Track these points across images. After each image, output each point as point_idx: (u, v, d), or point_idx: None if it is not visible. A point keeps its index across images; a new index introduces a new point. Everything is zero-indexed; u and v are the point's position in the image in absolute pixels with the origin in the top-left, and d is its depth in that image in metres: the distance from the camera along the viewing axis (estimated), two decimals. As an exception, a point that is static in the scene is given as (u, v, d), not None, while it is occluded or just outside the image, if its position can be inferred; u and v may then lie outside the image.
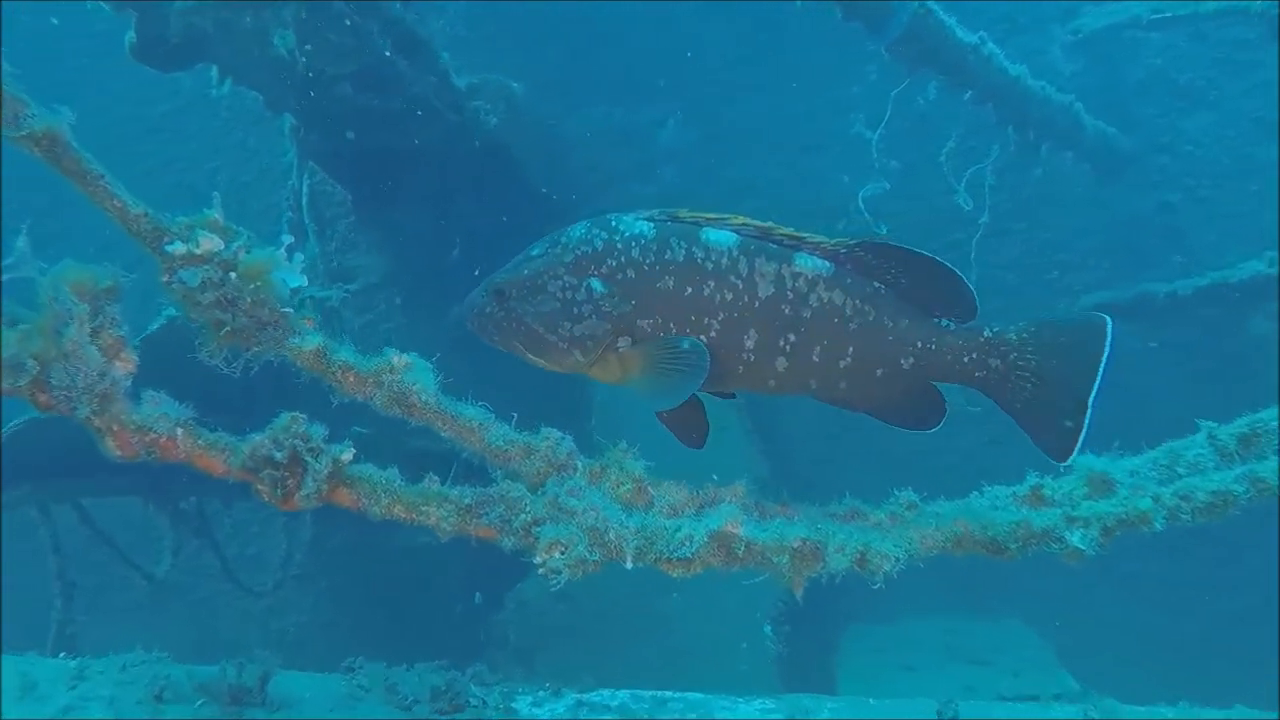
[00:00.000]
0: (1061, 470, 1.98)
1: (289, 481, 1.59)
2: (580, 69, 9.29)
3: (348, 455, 1.68)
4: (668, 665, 6.99)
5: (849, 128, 9.20)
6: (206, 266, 1.70)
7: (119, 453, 1.60)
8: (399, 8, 6.11)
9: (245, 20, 6.01)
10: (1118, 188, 8.82)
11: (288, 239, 1.83)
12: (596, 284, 2.13)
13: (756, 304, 2.11)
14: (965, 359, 2.14)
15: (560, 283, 2.15)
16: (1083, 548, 1.69)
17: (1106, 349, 2.06)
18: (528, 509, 1.69)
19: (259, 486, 1.62)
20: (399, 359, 1.80)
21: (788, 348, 2.13)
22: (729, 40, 9.52)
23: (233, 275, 1.71)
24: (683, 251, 2.12)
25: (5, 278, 1.56)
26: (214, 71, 6.85)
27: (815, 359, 2.14)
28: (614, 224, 2.18)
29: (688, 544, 1.69)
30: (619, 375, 2.15)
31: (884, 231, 7.43)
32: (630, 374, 2.12)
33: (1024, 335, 2.12)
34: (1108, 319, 2.09)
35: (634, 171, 9.38)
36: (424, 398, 1.78)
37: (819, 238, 2.16)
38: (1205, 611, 8.00)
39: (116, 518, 6.89)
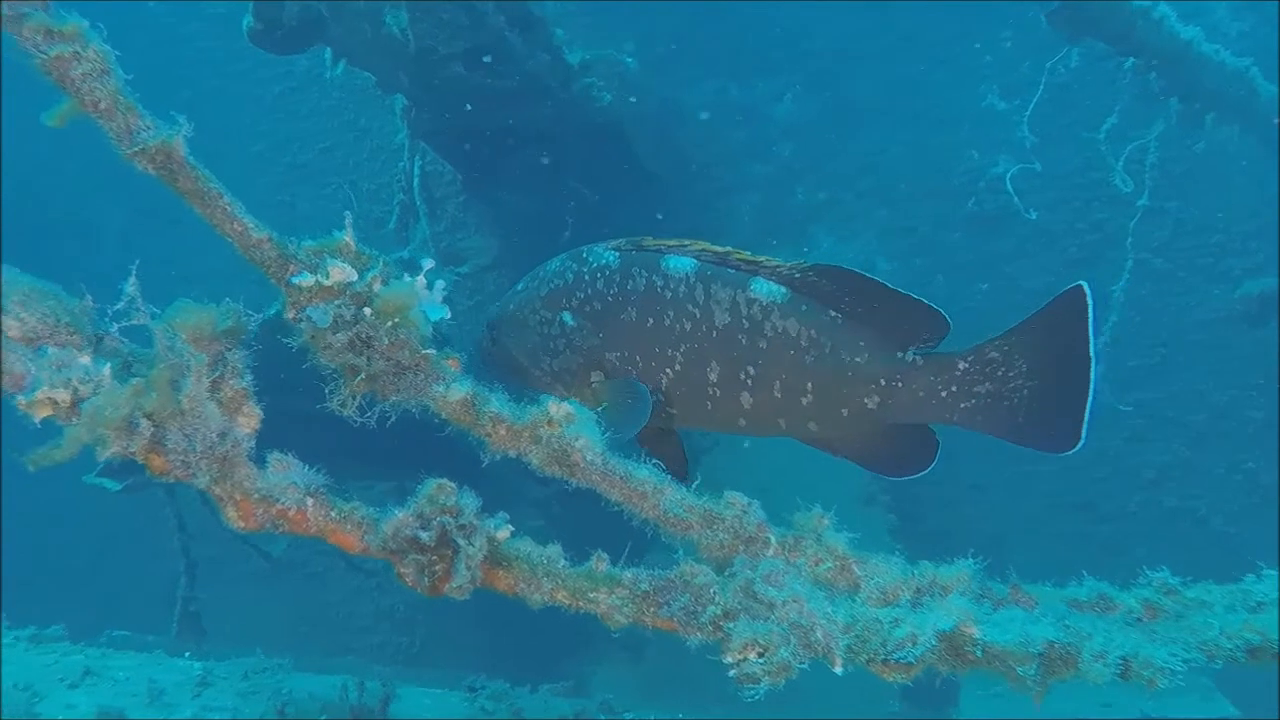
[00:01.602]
0: None
1: (437, 567, 1.34)
2: (694, 42, 8.91)
3: (504, 533, 1.42)
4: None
5: (980, 100, 8.61)
6: (338, 301, 1.45)
7: (241, 524, 1.37)
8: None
9: (358, 1, 5.88)
10: (1288, 162, 8.00)
11: (428, 262, 1.56)
12: (568, 317, 2.10)
13: (715, 333, 1.97)
14: (943, 393, 1.89)
15: (538, 316, 2.13)
16: None
17: (1089, 303, 1.79)
18: (717, 599, 1.40)
19: (401, 570, 1.37)
20: (558, 409, 1.53)
21: (749, 381, 1.96)
22: (849, 8, 8.98)
23: (367, 311, 1.46)
24: (644, 281, 2.01)
25: (116, 327, 1.34)
26: (327, 53, 6.78)
27: (777, 394, 1.95)
28: (585, 255, 2.13)
29: (911, 645, 1.37)
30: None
31: (1033, 216, 6.87)
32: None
33: (1007, 347, 1.87)
34: (1083, 283, 1.81)
35: (750, 149, 8.98)
36: (588, 456, 1.50)
37: (775, 261, 1.96)
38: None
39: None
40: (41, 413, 1.32)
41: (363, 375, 1.46)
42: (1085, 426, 1.80)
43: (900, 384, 1.91)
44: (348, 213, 1.53)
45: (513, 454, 1.55)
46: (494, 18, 5.97)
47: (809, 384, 1.94)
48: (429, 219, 8.14)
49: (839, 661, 1.39)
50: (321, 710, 3.29)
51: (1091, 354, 1.77)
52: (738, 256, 1.99)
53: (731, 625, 1.36)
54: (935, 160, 8.79)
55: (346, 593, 9.29)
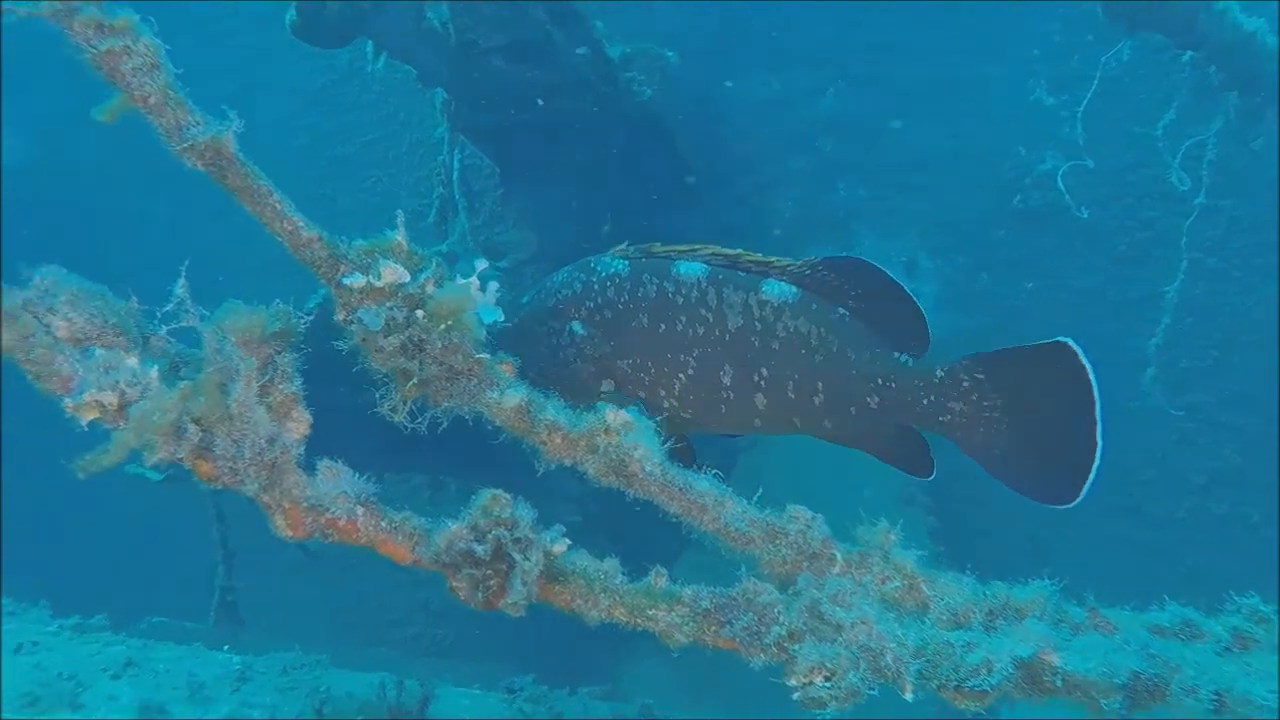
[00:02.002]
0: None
1: (492, 582, 1.29)
2: (735, 34, 8.81)
3: (560, 546, 1.36)
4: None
5: (1028, 94, 8.42)
6: (390, 303, 1.40)
7: (290, 533, 1.33)
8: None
9: (401, -3, 5.87)
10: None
11: (481, 262, 1.51)
12: (577, 327, 2.09)
13: (727, 337, 1.97)
14: (925, 401, 1.88)
15: (545, 328, 2.13)
16: None
17: (1089, 366, 1.73)
18: (782, 619, 1.33)
19: (455, 584, 1.32)
20: (615, 416, 1.46)
21: (763, 382, 1.96)
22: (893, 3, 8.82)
23: (420, 314, 1.41)
24: (655, 287, 2.02)
25: (165, 329, 1.30)
26: (369, 46, 6.77)
27: (790, 394, 1.95)
28: (592, 265, 2.13)
29: (986, 673, 1.30)
30: None
31: (1084, 215, 6.70)
32: None
33: (976, 375, 1.83)
34: (1068, 339, 1.75)
35: (791, 144, 8.86)
36: (647, 467, 1.44)
37: (785, 261, 1.95)
38: None
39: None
40: (89, 416, 1.29)
41: (414, 380, 1.41)
42: (1087, 487, 1.75)
43: (893, 385, 1.90)
44: (400, 211, 1.48)
45: (568, 463, 1.49)
46: (535, 11, 5.92)
47: (819, 383, 1.94)
48: (468, 212, 8.13)
49: (909, 687, 1.32)
50: (359, 710, 3.28)
51: (1097, 417, 1.71)
52: (748, 259, 1.99)
53: (797, 647, 1.30)
54: (980, 156, 8.63)
55: (382, 584, 9.32)
